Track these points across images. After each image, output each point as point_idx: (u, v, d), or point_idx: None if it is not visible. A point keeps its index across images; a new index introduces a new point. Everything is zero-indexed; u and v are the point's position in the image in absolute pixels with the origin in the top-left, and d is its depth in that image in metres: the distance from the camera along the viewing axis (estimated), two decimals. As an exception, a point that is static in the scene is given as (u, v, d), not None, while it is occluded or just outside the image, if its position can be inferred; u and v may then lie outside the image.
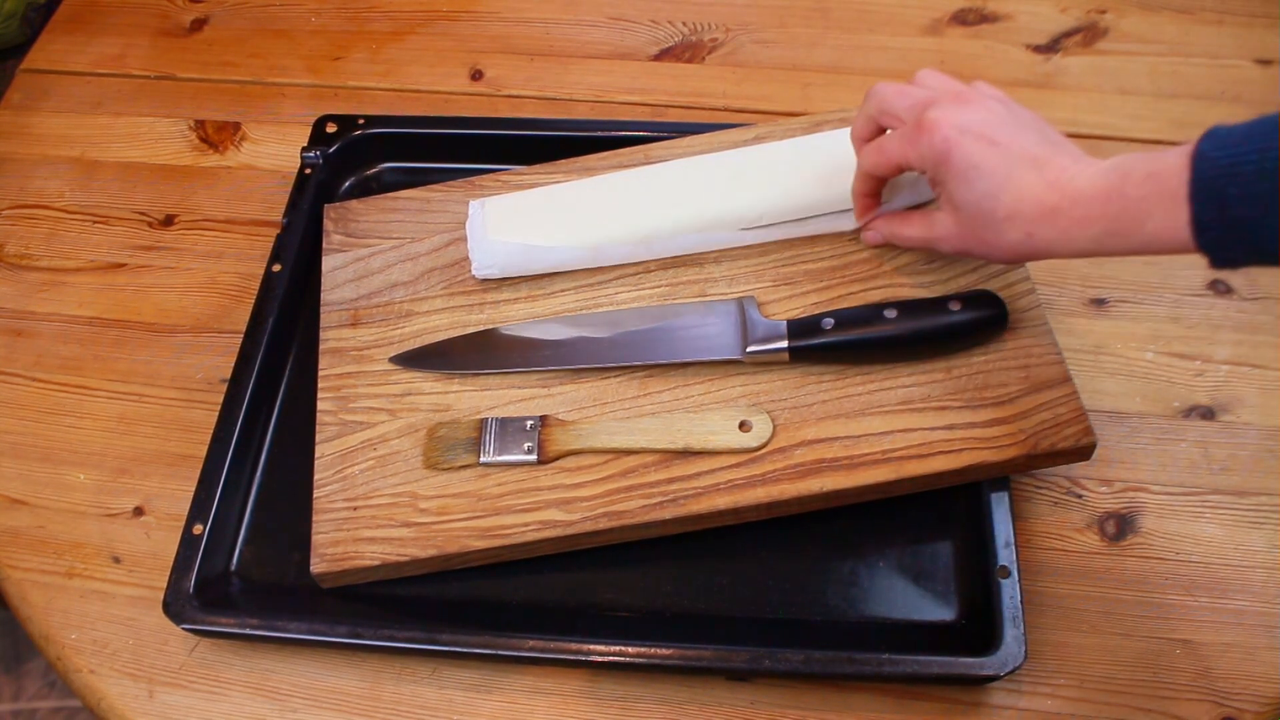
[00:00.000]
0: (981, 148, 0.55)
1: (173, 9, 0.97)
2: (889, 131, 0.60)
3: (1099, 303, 0.74)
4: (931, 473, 0.59)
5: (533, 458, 0.62)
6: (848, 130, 0.63)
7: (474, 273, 0.69)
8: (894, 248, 0.66)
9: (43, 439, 0.72)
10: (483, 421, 0.63)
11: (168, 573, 0.62)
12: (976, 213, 0.55)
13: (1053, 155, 0.54)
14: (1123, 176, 0.50)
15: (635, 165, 0.72)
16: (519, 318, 0.68)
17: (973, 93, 0.58)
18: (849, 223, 0.67)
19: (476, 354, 0.66)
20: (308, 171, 0.79)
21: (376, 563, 0.61)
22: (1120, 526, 0.65)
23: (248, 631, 0.61)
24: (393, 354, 0.67)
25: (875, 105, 0.60)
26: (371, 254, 0.72)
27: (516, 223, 0.69)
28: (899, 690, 0.60)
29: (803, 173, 0.67)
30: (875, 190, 0.64)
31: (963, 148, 0.55)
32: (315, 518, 0.62)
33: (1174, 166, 0.48)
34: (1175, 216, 0.48)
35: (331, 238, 0.74)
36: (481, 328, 0.68)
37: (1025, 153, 0.54)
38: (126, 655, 0.64)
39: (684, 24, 0.92)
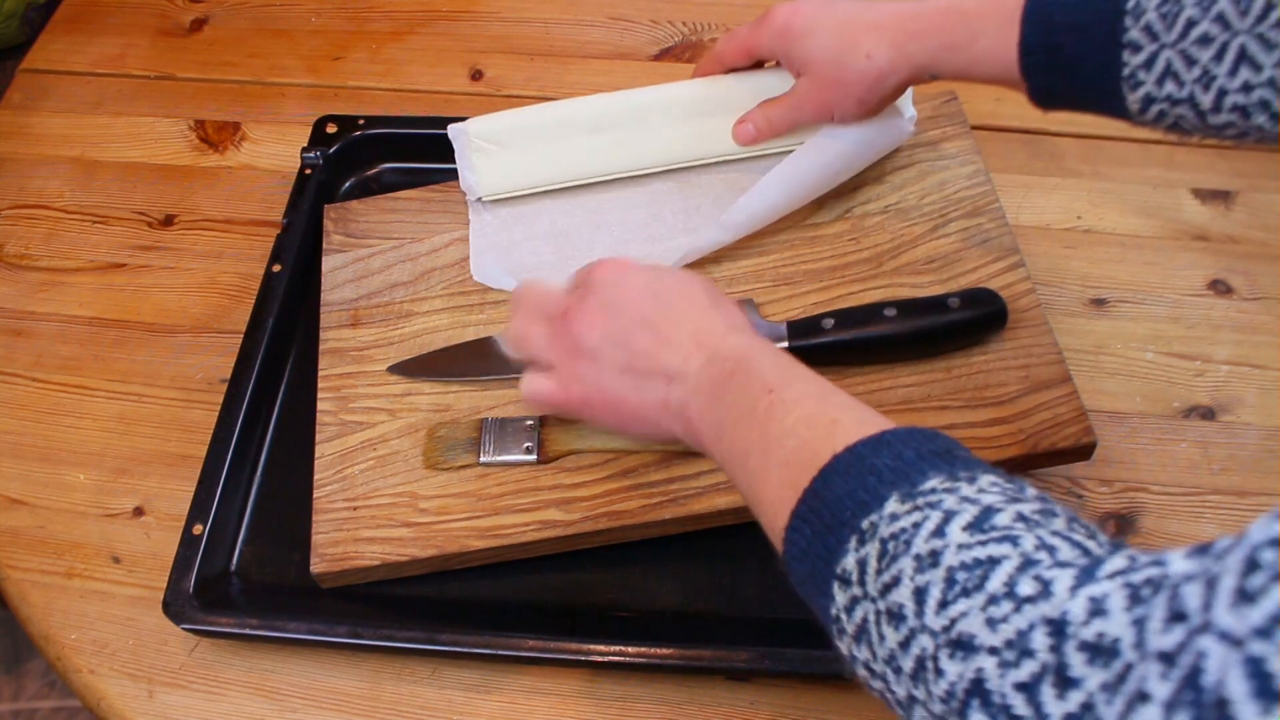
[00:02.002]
0: (816, 8, 0.60)
1: (173, 9, 0.97)
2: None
3: (1099, 303, 0.74)
4: (931, 473, 0.59)
5: (533, 457, 0.62)
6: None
7: (463, 189, 0.71)
8: (895, 249, 0.66)
9: (42, 439, 0.72)
10: (483, 421, 0.63)
11: (168, 573, 0.62)
12: (823, 57, 0.59)
13: (888, 3, 0.58)
14: None
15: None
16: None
17: None
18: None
19: (475, 360, 0.66)
20: (308, 172, 0.79)
21: (376, 563, 0.61)
22: (1120, 527, 0.65)
23: (248, 631, 0.61)
24: (393, 354, 0.67)
25: (721, 44, 0.66)
26: (371, 254, 0.72)
27: (501, 135, 0.71)
28: (899, 690, 0.60)
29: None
30: (716, 72, 0.68)
31: (800, 12, 0.60)
32: (315, 518, 0.62)
33: None
34: (1006, 36, 0.51)
35: (331, 238, 0.74)
36: (480, 329, 0.68)
37: (861, 5, 0.59)
38: (126, 655, 0.64)
39: (684, 24, 0.92)
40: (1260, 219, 0.77)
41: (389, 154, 0.82)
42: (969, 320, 0.61)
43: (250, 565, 0.65)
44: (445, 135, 0.80)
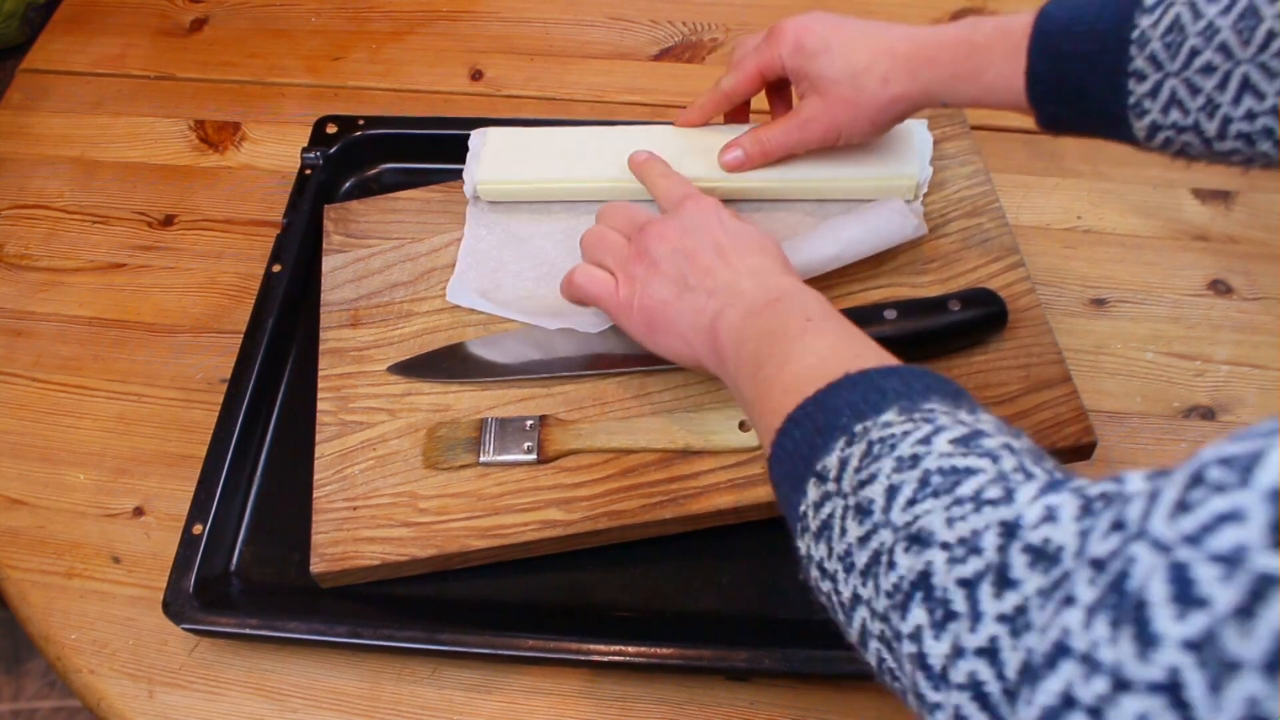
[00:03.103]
0: (829, 27, 0.59)
1: (173, 9, 0.97)
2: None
3: (1099, 303, 0.74)
4: (931, 473, 0.59)
5: (532, 457, 0.62)
6: None
7: (465, 191, 0.71)
8: (891, 252, 0.66)
9: (42, 439, 0.72)
10: (483, 421, 0.63)
11: (168, 573, 0.62)
12: (837, 76, 0.59)
13: (898, 25, 0.58)
14: (973, 27, 0.54)
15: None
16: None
17: (810, 12, 0.62)
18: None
19: (475, 361, 0.66)
20: (308, 172, 0.79)
21: (376, 562, 0.61)
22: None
23: (248, 631, 0.61)
24: (393, 354, 0.67)
25: (726, 82, 0.66)
26: (371, 254, 0.72)
27: (513, 151, 0.71)
28: (899, 690, 0.60)
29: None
30: (722, 109, 0.68)
31: (813, 30, 0.59)
32: (315, 518, 0.62)
33: (1021, 23, 0.52)
34: (1014, 66, 0.52)
35: (331, 238, 0.74)
36: (480, 329, 0.68)
37: (872, 26, 0.59)
38: (126, 655, 0.64)
39: (684, 24, 0.92)
40: (1260, 219, 0.77)
41: (389, 154, 0.82)
42: (969, 320, 0.61)
43: (250, 565, 0.65)
44: (445, 135, 0.81)
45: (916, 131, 0.67)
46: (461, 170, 0.72)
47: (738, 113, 0.70)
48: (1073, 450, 0.59)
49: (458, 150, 0.80)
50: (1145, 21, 0.47)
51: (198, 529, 0.63)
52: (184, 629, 0.61)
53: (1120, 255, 0.76)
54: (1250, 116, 0.45)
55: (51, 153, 0.88)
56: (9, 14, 0.95)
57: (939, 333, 0.61)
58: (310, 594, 0.62)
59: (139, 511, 0.69)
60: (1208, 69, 0.45)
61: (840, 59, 0.58)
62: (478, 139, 0.72)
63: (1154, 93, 0.47)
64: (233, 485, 0.66)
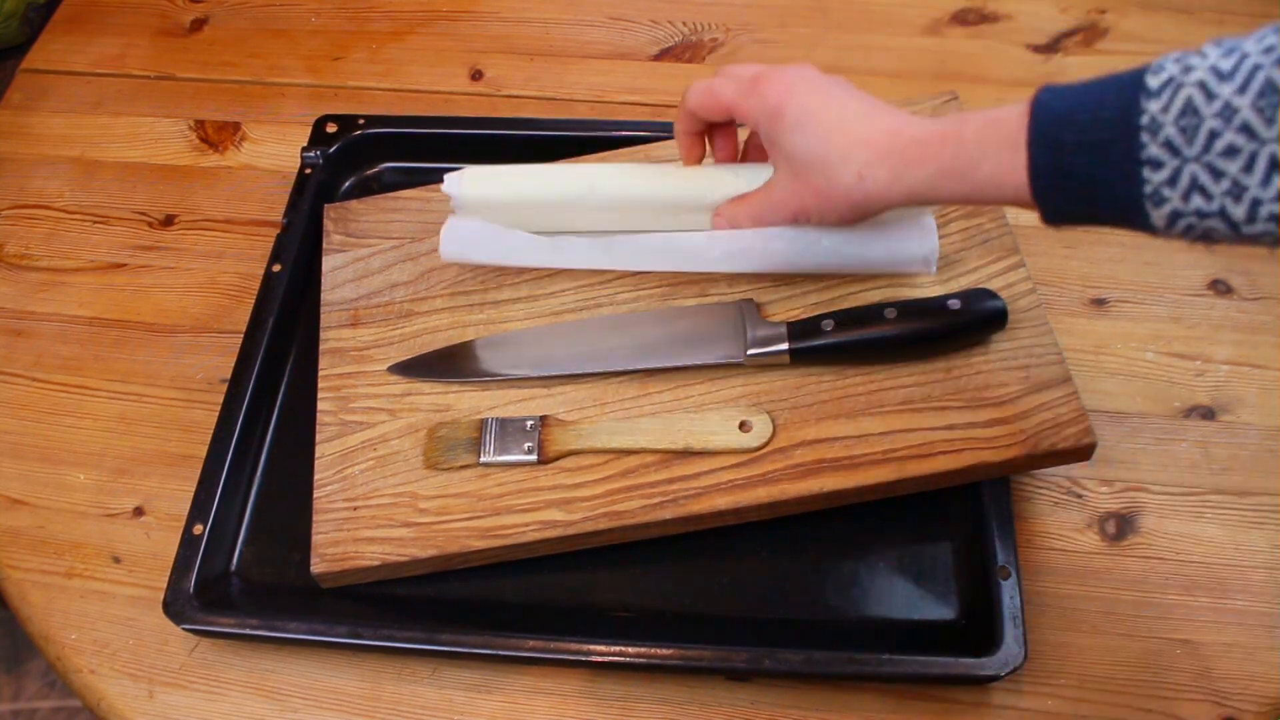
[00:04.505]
0: (814, 100, 0.56)
1: (173, 9, 0.97)
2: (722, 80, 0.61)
3: (1099, 303, 0.74)
4: (932, 473, 0.59)
5: (533, 458, 0.62)
6: None
7: (441, 253, 0.67)
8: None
9: (43, 439, 0.72)
10: (483, 421, 0.63)
11: (168, 573, 0.62)
12: (809, 159, 0.56)
13: (886, 110, 0.56)
14: (960, 121, 0.51)
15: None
16: (519, 318, 0.68)
17: (799, 66, 0.59)
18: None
19: (475, 361, 0.66)
20: (308, 171, 0.79)
21: (377, 563, 0.61)
22: (1120, 526, 0.65)
23: (248, 631, 0.61)
24: (393, 354, 0.67)
25: (694, 93, 0.61)
26: (371, 254, 0.72)
27: (486, 201, 0.66)
28: (899, 690, 0.60)
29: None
30: (700, 131, 0.64)
31: (795, 98, 0.56)
32: (315, 518, 0.62)
33: (1013, 114, 0.49)
34: (1012, 161, 0.49)
35: (331, 238, 0.74)
36: (480, 329, 0.68)
37: (859, 106, 0.56)
38: (126, 655, 0.64)
39: (684, 24, 0.92)
40: (1260, 219, 0.77)
41: (389, 154, 0.82)
42: (969, 320, 0.61)
43: (250, 565, 0.65)
44: (445, 135, 0.81)
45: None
46: (461, 170, 0.72)
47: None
48: (1072, 451, 0.59)
49: (458, 150, 0.80)
50: (1154, 106, 0.44)
51: (198, 529, 0.63)
52: (184, 629, 0.61)
53: (1120, 255, 0.76)
54: None
55: (51, 153, 0.88)
56: (9, 14, 0.95)
57: (939, 333, 0.61)
58: (310, 594, 0.63)
59: (139, 511, 0.69)
60: (1230, 151, 0.43)
61: (816, 140, 0.55)
62: (452, 184, 0.67)
63: (1173, 180, 0.44)
64: (233, 485, 0.66)
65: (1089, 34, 0.89)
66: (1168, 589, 0.63)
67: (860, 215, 0.57)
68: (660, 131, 0.77)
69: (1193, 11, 0.89)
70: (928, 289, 0.65)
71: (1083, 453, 0.59)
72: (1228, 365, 0.71)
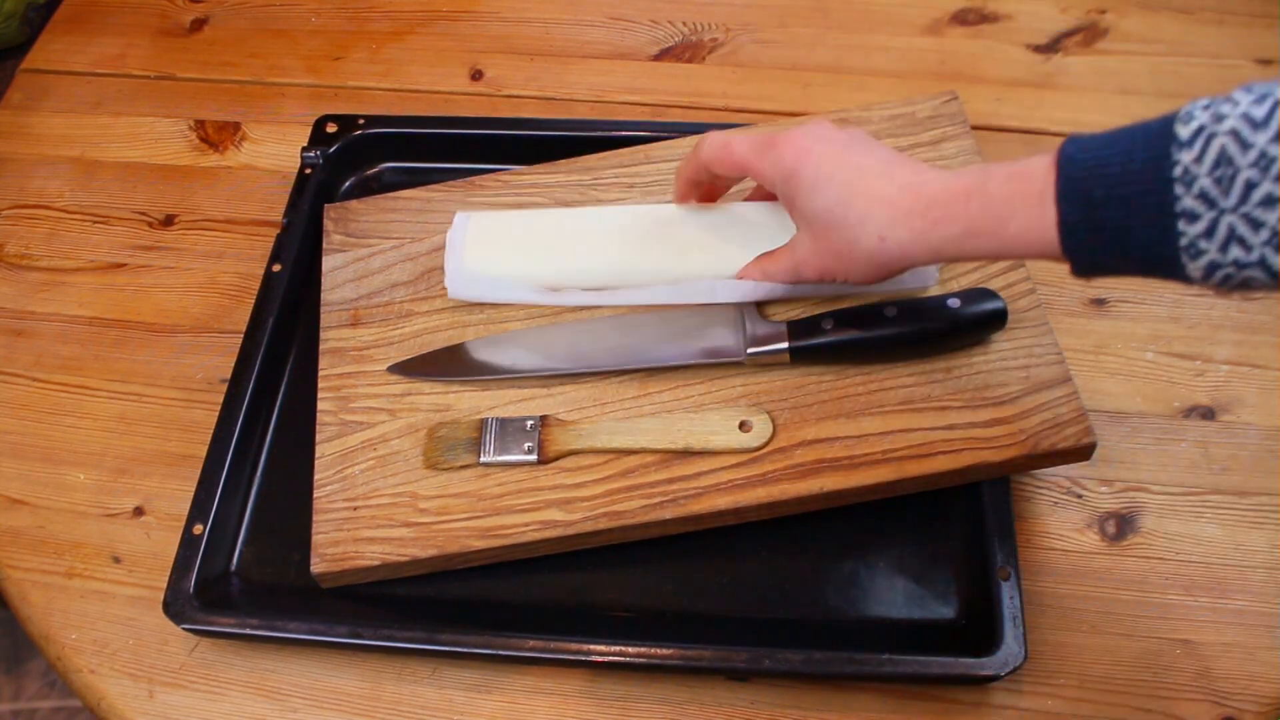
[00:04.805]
0: (831, 160, 0.55)
1: (173, 9, 0.97)
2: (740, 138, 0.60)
3: (1099, 303, 0.74)
4: (931, 473, 0.59)
5: (533, 458, 0.62)
6: None
7: (446, 288, 0.68)
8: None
9: (43, 439, 0.72)
10: (483, 421, 0.63)
11: (168, 573, 0.62)
12: (829, 222, 0.55)
13: (905, 165, 0.54)
14: (984, 177, 0.50)
15: (635, 165, 0.72)
16: (519, 318, 0.68)
17: (815, 123, 0.58)
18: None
19: (475, 361, 0.66)
20: (308, 171, 0.79)
21: (377, 563, 0.61)
22: (1120, 526, 0.65)
23: (248, 631, 0.61)
24: (393, 354, 0.67)
25: (708, 147, 0.60)
26: (371, 254, 0.72)
27: (493, 250, 0.67)
28: (899, 690, 0.60)
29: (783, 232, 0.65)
30: (701, 181, 0.64)
31: (813, 159, 0.55)
32: (315, 518, 0.62)
33: (1039, 168, 0.48)
34: (1040, 218, 0.47)
35: (331, 238, 0.74)
36: (480, 329, 0.68)
37: (876, 163, 0.54)
38: (126, 655, 0.64)
39: (684, 24, 0.92)
40: (1260, 219, 0.77)
41: (389, 154, 0.82)
42: (969, 320, 0.61)
43: (250, 565, 0.65)
44: (445, 135, 0.81)
45: None
46: (461, 170, 0.72)
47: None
48: (1072, 451, 0.59)
49: (458, 150, 0.80)
50: (1186, 157, 0.43)
51: (198, 529, 0.63)
52: (184, 629, 0.61)
53: (1120, 255, 0.75)
54: None
55: (52, 153, 0.88)
56: (9, 14, 0.95)
57: (939, 332, 0.61)
58: (310, 594, 0.63)
59: (139, 511, 0.69)
60: (1269, 201, 0.42)
61: (834, 203, 0.54)
62: (461, 226, 0.69)
63: (1210, 232, 0.43)
64: (233, 485, 0.66)
65: (1089, 34, 0.89)
66: (1168, 589, 0.63)
67: (885, 275, 0.56)
68: (660, 132, 0.77)
69: (1193, 11, 0.89)
70: (928, 289, 0.65)
71: (1083, 453, 0.59)
72: (1228, 365, 0.71)
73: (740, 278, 0.64)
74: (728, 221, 0.66)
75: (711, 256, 0.65)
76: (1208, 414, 0.69)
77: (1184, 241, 0.44)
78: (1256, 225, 0.42)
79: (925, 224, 0.52)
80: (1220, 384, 0.70)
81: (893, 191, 0.53)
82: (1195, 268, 0.44)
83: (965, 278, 0.65)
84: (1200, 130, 0.43)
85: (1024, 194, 0.48)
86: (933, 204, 0.51)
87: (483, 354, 0.66)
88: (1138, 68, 0.86)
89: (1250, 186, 0.42)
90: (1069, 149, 0.47)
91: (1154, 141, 0.44)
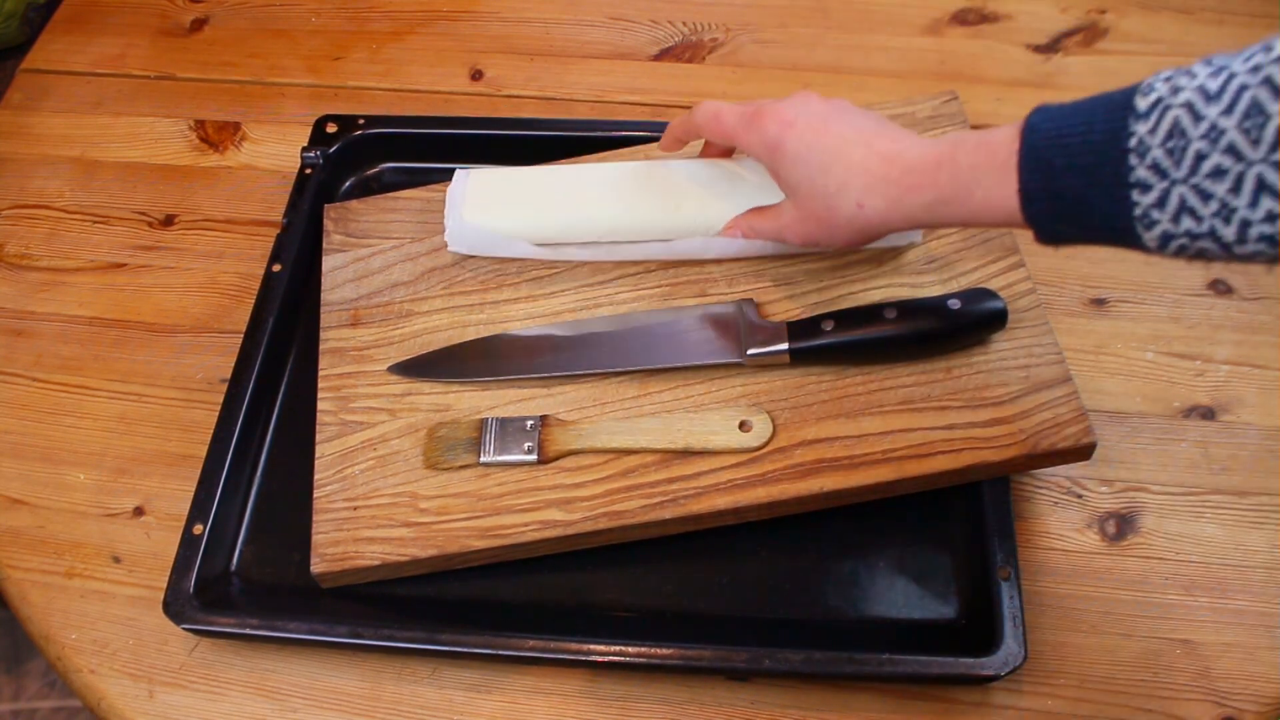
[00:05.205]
0: (813, 132, 0.57)
1: (173, 9, 0.97)
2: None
3: (1099, 303, 0.74)
4: (931, 473, 0.59)
5: (533, 458, 0.62)
6: None
7: (446, 242, 0.69)
8: (892, 252, 0.67)
9: (43, 439, 0.72)
10: (483, 421, 0.63)
11: (168, 573, 0.62)
12: (810, 191, 0.57)
13: (884, 134, 0.56)
14: (954, 145, 0.51)
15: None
16: (519, 318, 0.68)
17: (801, 96, 0.59)
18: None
19: (475, 361, 0.66)
20: (308, 171, 0.79)
21: (377, 563, 0.61)
22: (1120, 526, 0.65)
23: (248, 631, 0.61)
24: (393, 354, 0.67)
25: (701, 113, 0.62)
26: (371, 254, 0.72)
27: (492, 204, 0.69)
28: (899, 690, 0.60)
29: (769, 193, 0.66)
30: (687, 142, 0.66)
31: (795, 130, 0.57)
32: (315, 518, 0.62)
33: (1005, 137, 0.49)
34: (1004, 185, 0.49)
35: (331, 238, 0.74)
36: (480, 329, 0.68)
37: (856, 133, 0.56)
38: (126, 655, 0.64)
39: (684, 24, 0.92)
40: (1260, 219, 0.77)
41: (389, 154, 0.82)
42: (969, 320, 0.61)
43: (250, 565, 0.65)
44: (445, 135, 0.81)
45: None
46: (460, 169, 0.72)
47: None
48: (1072, 450, 0.59)
49: (458, 150, 0.80)
50: (1141, 128, 0.44)
51: (198, 529, 0.63)
52: (184, 629, 0.61)
53: (1120, 254, 0.74)
54: (1271, 218, 0.42)
55: (52, 153, 0.88)
56: (9, 14, 0.95)
57: (939, 333, 0.61)
58: (310, 594, 0.63)
59: (139, 511, 0.69)
60: (1217, 173, 0.42)
61: (815, 172, 0.56)
62: (460, 181, 0.70)
63: (1161, 202, 0.44)
64: (233, 485, 0.66)
65: (1089, 34, 0.89)
66: (1168, 589, 0.63)
67: (865, 240, 0.58)
68: (660, 132, 0.76)
69: (1193, 11, 0.89)
70: (928, 289, 0.65)
71: (1083, 452, 0.59)
72: (1228, 365, 0.71)
73: (725, 231, 0.65)
74: (721, 176, 0.67)
75: (705, 210, 0.66)
76: (1208, 414, 0.69)
77: (1138, 211, 0.45)
78: (1206, 197, 0.43)
79: (900, 191, 0.53)
80: (1220, 384, 0.70)
81: (870, 160, 0.55)
82: (1150, 237, 0.45)
83: (965, 278, 0.65)
84: (1158, 103, 0.44)
85: (990, 163, 0.49)
86: (907, 172, 0.53)
87: (483, 354, 0.66)
88: (1138, 68, 0.86)
89: (1200, 158, 0.43)
90: (1034, 118, 0.48)
91: (1114, 113, 0.45)
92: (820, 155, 0.56)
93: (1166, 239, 0.45)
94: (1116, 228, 0.46)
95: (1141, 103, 0.44)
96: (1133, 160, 0.44)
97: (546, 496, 0.61)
